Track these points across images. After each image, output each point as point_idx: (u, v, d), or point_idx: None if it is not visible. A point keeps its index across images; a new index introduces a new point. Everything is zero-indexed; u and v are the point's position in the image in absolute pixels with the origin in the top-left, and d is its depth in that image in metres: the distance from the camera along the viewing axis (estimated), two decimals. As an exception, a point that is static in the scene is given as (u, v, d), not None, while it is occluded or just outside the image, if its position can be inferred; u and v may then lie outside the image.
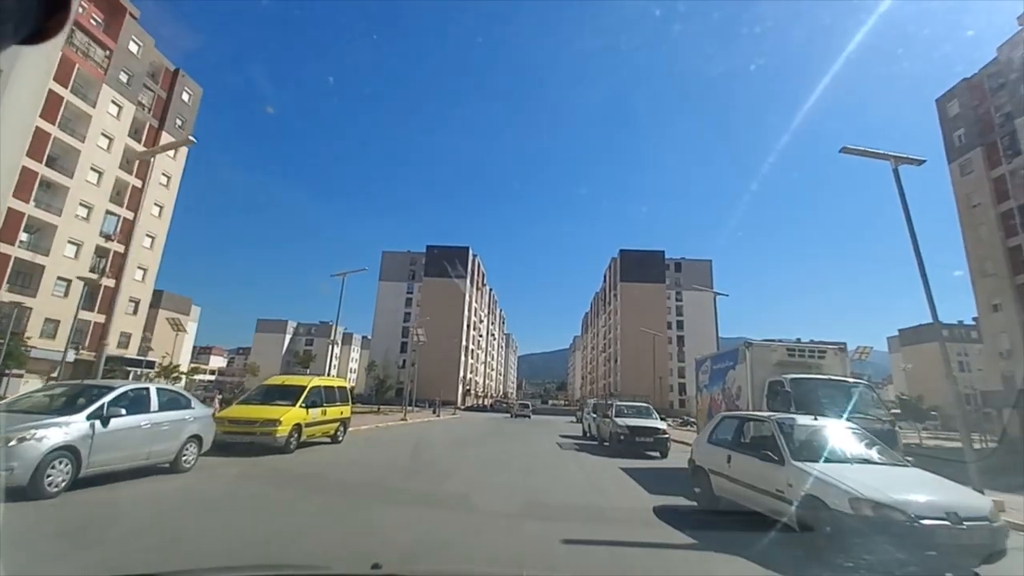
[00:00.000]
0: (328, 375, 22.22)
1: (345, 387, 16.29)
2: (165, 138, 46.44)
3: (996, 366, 40.14)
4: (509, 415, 52.59)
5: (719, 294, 29.63)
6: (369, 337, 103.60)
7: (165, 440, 8.30)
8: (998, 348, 40.03)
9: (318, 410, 13.67)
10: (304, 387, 13.53)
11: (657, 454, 16.49)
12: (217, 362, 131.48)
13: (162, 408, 8.38)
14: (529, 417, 49.13)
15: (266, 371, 72.08)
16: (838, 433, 6.77)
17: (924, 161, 10.04)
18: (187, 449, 8.79)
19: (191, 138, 14.75)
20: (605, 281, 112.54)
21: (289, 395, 13.16)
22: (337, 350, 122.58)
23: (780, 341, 11.12)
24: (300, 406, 12.83)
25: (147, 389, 8.32)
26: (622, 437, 16.55)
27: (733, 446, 7.49)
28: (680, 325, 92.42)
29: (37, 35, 0.87)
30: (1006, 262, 39.11)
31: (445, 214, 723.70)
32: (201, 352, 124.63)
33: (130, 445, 7.64)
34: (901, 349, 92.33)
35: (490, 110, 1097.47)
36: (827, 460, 6.04)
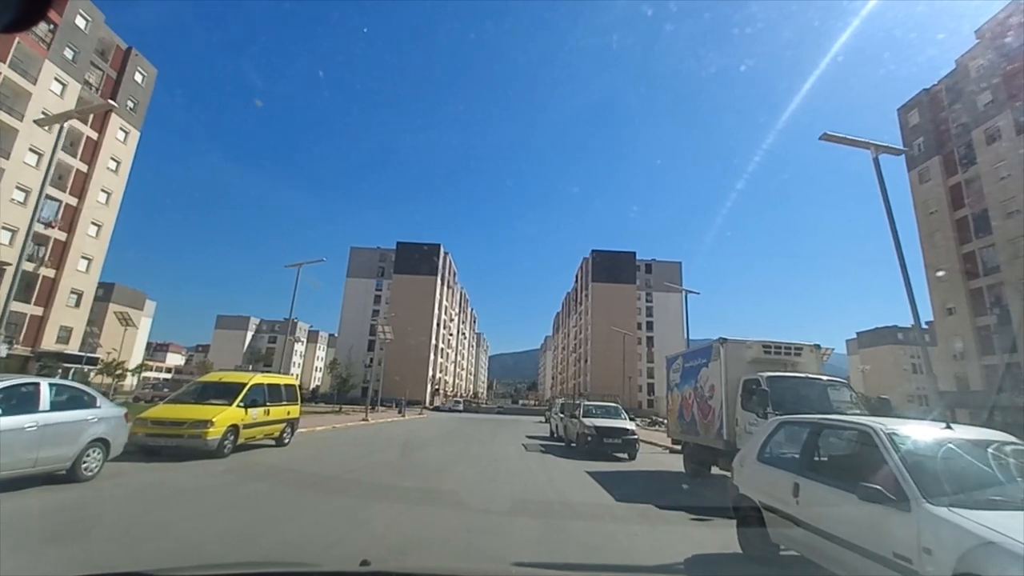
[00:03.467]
0: (288, 373, 20.89)
1: (293, 385, 15.05)
2: (115, 120, 43.77)
3: (949, 367, 41.48)
4: (448, 411, 62.93)
5: (690, 292, 29.46)
6: (336, 335, 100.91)
7: (59, 444, 7.09)
8: (951, 350, 41.39)
9: (260, 410, 12.46)
10: (244, 384, 12.30)
11: (625, 456, 15.94)
12: (175, 360, 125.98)
13: (56, 407, 7.18)
14: (461, 412, 62.16)
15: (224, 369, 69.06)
16: (993, 452, 3.85)
17: (905, 151, 9.68)
18: (89, 454, 7.60)
19: (110, 102, 13.37)
20: (577, 281, 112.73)
21: (227, 393, 11.91)
22: (301, 347, 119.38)
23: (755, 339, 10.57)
24: (238, 405, 11.61)
25: (36, 385, 7.08)
26: (589, 438, 15.95)
27: (802, 469, 4.63)
28: (650, 326, 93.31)
29: (18, 23, 0.88)
30: (960, 267, 40.49)
31: (417, 212, 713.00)
32: (157, 349, 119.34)
33: (11, 450, 6.44)
34: (859, 351, 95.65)
35: (477, 109, 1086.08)
36: (991, 505, 3.27)
